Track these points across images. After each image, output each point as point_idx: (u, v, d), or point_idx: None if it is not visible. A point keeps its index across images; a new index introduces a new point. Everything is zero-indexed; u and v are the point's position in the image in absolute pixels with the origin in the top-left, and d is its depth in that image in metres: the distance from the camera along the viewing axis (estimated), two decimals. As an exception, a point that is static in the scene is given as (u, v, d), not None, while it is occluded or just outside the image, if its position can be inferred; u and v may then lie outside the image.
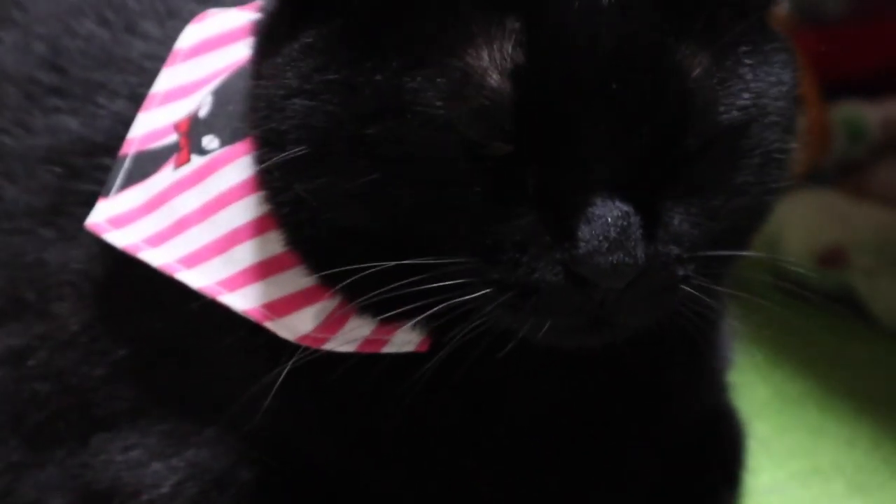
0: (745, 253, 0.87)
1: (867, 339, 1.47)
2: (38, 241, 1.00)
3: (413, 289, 0.79)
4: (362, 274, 0.80)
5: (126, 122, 0.98)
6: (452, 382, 0.87)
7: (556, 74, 0.77)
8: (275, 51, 0.84)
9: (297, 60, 0.82)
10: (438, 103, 0.77)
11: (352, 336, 0.87)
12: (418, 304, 0.80)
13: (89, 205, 0.96)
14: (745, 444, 1.07)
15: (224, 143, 0.91)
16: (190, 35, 0.98)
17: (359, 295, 0.83)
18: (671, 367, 0.95)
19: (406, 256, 0.79)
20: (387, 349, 0.87)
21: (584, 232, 0.77)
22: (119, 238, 0.93)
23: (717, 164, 0.81)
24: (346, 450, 0.92)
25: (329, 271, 0.83)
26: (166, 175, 0.93)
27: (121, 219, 0.93)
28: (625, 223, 0.77)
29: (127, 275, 0.95)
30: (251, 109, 0.86)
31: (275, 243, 0.87)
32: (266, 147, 0.84)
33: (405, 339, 0.87)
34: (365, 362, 0.88)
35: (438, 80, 0.77)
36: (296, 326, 0.87)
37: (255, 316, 0.88)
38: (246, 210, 0.89)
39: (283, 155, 0.81)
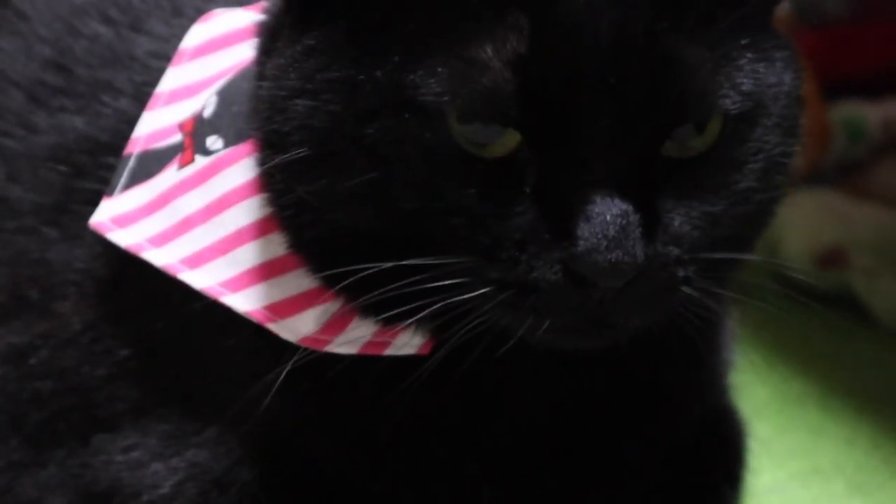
0: (746, 256, 0.87)
1: (867, 339, 1.47)
2: (41, 240, 1.00)
3: (412, 288, 0.79)
4: (362, 274, 0.80)
5: (130, 121, 0.98)
6: (452, 382, 0.87)
7: (557, 67, 0.77)
8: (278, 52, 0.84)
9: (299, 61, 0.82)
10: (439, 90, 0.77)
11: (354, 338, 0.87)
12: (418, 303, 0.80)
13: (93, 203, 0.96)
14: (746, 445, 1.07)
15: (228, 144, 0.91)
16: (196, 35, 0.98)
17: (359, 295, 0.83)
18: (672, 368, 0.95)
19: (406, 256, 0.79)
20: (389, 352, 0.87)
21: (583, 230, 0.77)
22: (122, 237, 0.93)
23: (720, 167, 0.81)
24: (346, 449, 0.92)
25: (329, 272, 0.83)
26: (170, 175, 0.93)
27: (124, 218, 0.93)
28: (624, 221, 0.76)
29: (130, 274, 0.95)
30: (254, 111, 0.87)
31: (277, 245, 0.87)
32: (268, 149, 0.84)
33: (407, 342, 0.87)
34: (365, 362, 0.88)
35: (440, 69, 0.78)
36: (298, 328, 0.87)
37: (257, 317, 0.88)
38: (249, 211, 0.89)
39: (285, 157, 0.81)
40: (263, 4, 0.92)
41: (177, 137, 0.94)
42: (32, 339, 1.00)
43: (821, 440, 1.28)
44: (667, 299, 0.81)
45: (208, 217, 0.90)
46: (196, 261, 0.90)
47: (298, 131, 0.81)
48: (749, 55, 0.81)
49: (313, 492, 0.94)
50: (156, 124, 0.95)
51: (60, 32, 1.06)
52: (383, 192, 0.79)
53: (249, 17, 0.95)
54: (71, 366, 0.99)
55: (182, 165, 0.93)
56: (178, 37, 0.99)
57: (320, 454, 0.93)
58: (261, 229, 0.89)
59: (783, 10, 0.89)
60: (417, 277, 0.79)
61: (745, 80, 0.81)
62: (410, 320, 0.82)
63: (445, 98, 0.77)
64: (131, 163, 0.94)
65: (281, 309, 0.88)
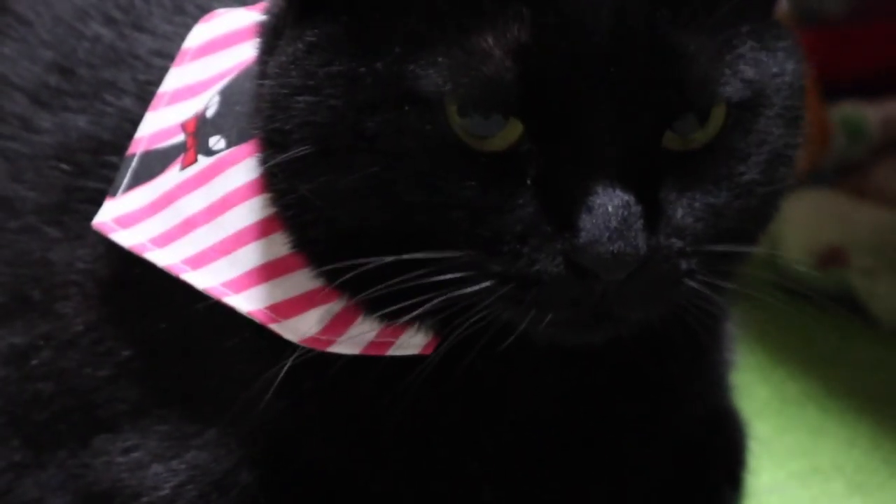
0: (750, 250, 0.86)
1: (867, 339, 1.47)
2: (43, 240, 1.00)
3: (414, 283, 0.79)
4: (364, 269, 0.80)
5: (133, 120, 0.98)
6: (453, 380, 0.87)
7: (558, 56, 0.77)
8: (280, 50, 0.84)
9: (301, 59, 0.82)
10: (439, 80, 0.77)
11: (357, 338, 0.87)
12: (419, 298, 0.80)
13: (95, 203, 0.96)
14: (747, 445, 1.07)
15: (231, 144, 0.91)
16: (198, 35, 0.98)
17: (361, 291, 0.83)
18: (674, 365, 0.95)
19: (408, 252, 0.79)
20: (391, 352, 0.87)
21: (584, 221, 0.76)
22: (125, 238, 0.93)
23: (723, 159, 0.81)
24: (347, 449, 0.92)
25: (331, 266, 0.83)
26: (173, 175, 0.93)
27: (127, 219, 0.93)
28: (626, 212, 0.76)
29: (132, 275, 0.95)
30: (256, 110, 0.87)
31: (280, 245, 0.87)
32: (270, 148, 0.84)
33: (409, 342, 0.87)
34: (366, 362, 0.88)
35: (441, 59, 0.78)
36: (300, 328, 0.87)
37: (259, 318, 0.88)
38: (252, 211, 0.89)
39: (287, 155, 0.81)
40: (265, 4, 0.92)
41: (179, 137, 0.94)
42: (34, 340, 1.00)
43: (820, 440, 1.28)
44: (670, 292, 0.81)
45: (211, 217, 0.90)
46: (199, 261, 0.90)
47: (301, 128, 0.81)
48: (750, 43, 0.81)
49: (313, 493, 0.94)
50: (158, 124, 0.95)
51: (63, 35, 1.06)
52: (384, 187, 0.79)
53: (251, 16, 0.95)
54: (72, 367, 0.98)
55: (185, 166, 0.93)
56: (181, 34, 1.00)
57: (321, 454, 0.92)
58: (263, 229, 0.89)
59: (782, 9, 0.89)
60: (419, 272, 0.79)
61: (746, 68, 0.81)
62: (412, 315, 0.81)
63: (446, 87, 0.77)
64: (134, 163, 0.95)
65: (283, 309, 0.88)
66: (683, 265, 0.80)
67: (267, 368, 0.89)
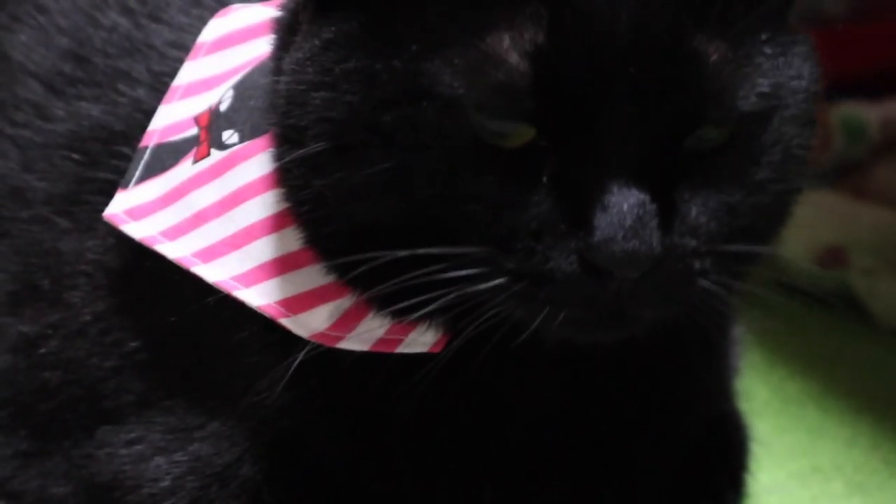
0: (763, 250, 0.86)
1: (867, 339, 1.47)
2: (54, 230, 1.01)
3: (427, 279, 0.79)
4: (377, 262, 0.80)
5: (145, 110, 0.98)
6: (461, 381, 0.87)
7: (575, 58, 0.77)
8: (296, 47, 0.85)
9: (317, 55, 0.82)
10: (456, 83, 0.77)
11: (366, 335, 0.87)
12: (432, 294, 0.80)
13: (106, 194, 0.96)
14: (749, 448, 1.08)
15: (244, 139, 0.91)
16: (213, 29, 0.98)
17: (374, 286, 0.83)
18: (683, 369, 0.95)
19: (422, 247, 0.79)
20: (400, 349, 0.87)
21: (599, 219, 0.76)
22: (136, 230, 0.93)
23: (737, 158, 0.81)
24: (352, 444, 0.92)
25: (344, 259, 0.82)
26: (185, 168, 0.93)
27: (138, 211, 0.93)
28: (641, 211, 0.76)
29: (141, 267, 0.96)
30: (271, 106, 0.87)
31: (292, 240, 0.87)
32: (286, 144, 0.84)
33: (419, 339, 0.87)
34: (375, 359, 0.88)
35: (457, 60, 0.78)
36: (310, 324, 0.87)
37: (270, 312, 0.88)
38: (264, 206, 0.89)
39: (303, 151, 0.82)
40: (280, 0, 0.92)
41: (192, 131, 0.94)
42: (42, 329, 1.01)
43: (820, 440, 1.28)
44: (683, 291, 0.81)
45: (223, 211, 0.90)
46: (209, 254, 0.90)
47: (317, 124, 0.81)
48: (768, 51, 0.81)
49: (315, 489, 0.94)
50: (171, 117, 0.95)
51: (79, 24, 1.06)
52: (400, 182, 0.79)
53: (266, 12, 0.96)
54: (79, 357, 0.99)
55: (197, 159, 0.93)
56: (197, 26, 1.00)
57: (326, 449, 0.93)
58: (275, 224, 0.89)
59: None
60: (433, 267, 0.79)
61: (763, 81, 0.81)
62: (424, 311, 0.81)
63: (462, 90, 0.77)
64: (146, 155, 0.95)
65: (294, 304, 0.88)
66: (697, 264, 0.80)
67: (275, 363, 0.89)
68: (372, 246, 0.81)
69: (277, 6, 0.92)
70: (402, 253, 0.79)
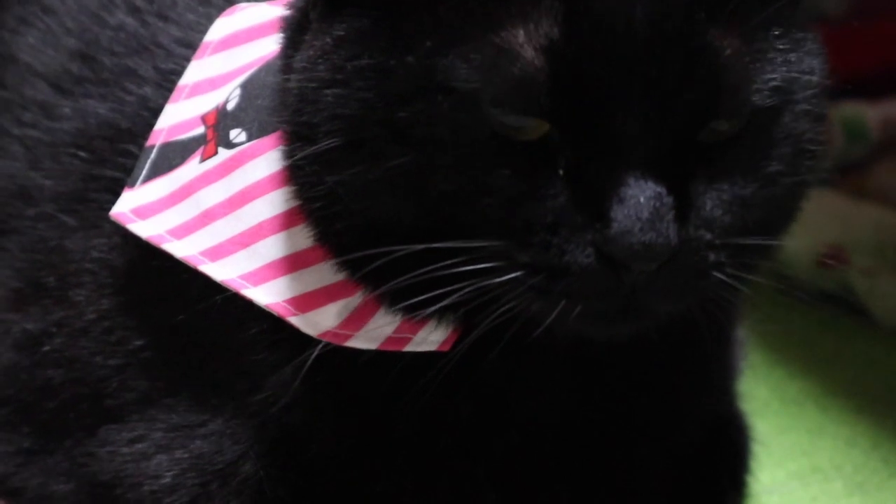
0: (775, 243, 0.86)
1: (867, 339, 1.47)
2: (60, 228, 1.01)
3: (442, 273, 0.79)
4: (391, 257, 0.80)
5: (152, 108, 0.99)
6: (468, 381, 0.87)
7: (590, 52, 0.77)
8: (306, 45, 0.85)
9: (329, 52, 0.82)
10: (472, 78, 0.77)
11: (375, 333, 0.87)
12: (447, 288, 0.79)
13: (112, 192, 0.96)
14: (751, 449, 1.08)
15: (251, 137, 0.91)
16: (220, 28, 0.98)
17: (386, 282, 0.82)
18: (688, 371, 0.95)
19: (436, 242, 0.79)
20: (409, 347, 0.87)
21: (616, 212, 0.76)
22: (143, 228, 0.93)
23: (749, 151, 0.82)
24: (359, 443, 0.92)
25: (358, 254, 0.82)
26: (192, 167, 0.93)
27: (145, 209, 0.93)
28: (658, 204, 0.76)
29: (147, 265, 0.96)
30: (281, 104, 0.87)
31: (301, 238, 0.87)
32: (297, 141, 0.84)
33: (428, 338, 0.87)
34: (384, 358, 0.88)
35: (472, 55, 0.78)
36: (319, 322, 0.87)
37: (278, 311, 0.88)
38: (272, 205, 0.89)
39: (315, 148, 0.81)
40: (288, -1, 0.93)
41: (199, 129, 0.94)
42: (47, 327, 1.01)
43: (820, 440, 1.28)
44: (698, 284, 0.81)
45: (230, 209, 0.90)
46: (217, 253, 0.90)
47: (329, 121, 0.81)
48: (781, 46, 0.82)
49: (317, 487, 0.94)
50: (178, 116, 0.95)
51: (87, 24, 1.07)
52: (416, 176, 0.79)
53: (274, 11, 0.96)
54: (83, 355, 0.99)
55: (205, 158, 0.93)
56: (205, 24, 1.00)
57: (331, 447, 0.92)
58: (284, 222, 0.89)
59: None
60: (448, 262, 0.79)
61: (775, 76, 0.81)
62: (438, 305, 0.81)
63: (477, 86, 0.78)
64: (153, 154, 0.95)
65: (302, 302, 0.88)
66: (712, 257, 0.80)
67: (283, 361, 0.89)
68: (385, 241, 0.81)
69: (285, 5, 0.92)
70: (418, 247, 0.79)
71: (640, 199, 0.76)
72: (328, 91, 0.81)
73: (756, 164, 0.82)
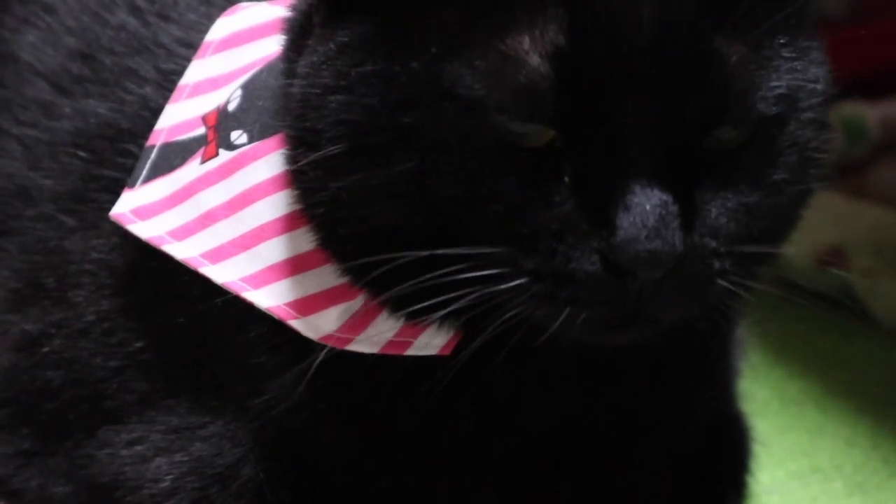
0: (779, 250, 0.87)
1: (867, 339, 1.47)
2: (59, 229, 1.01)
3: (447, 279, 0.79)
4: (396, 264, 0.80)
5: (152, 108, 0.98)
6: (471, 385, 0.87)
7: (596, 59, 0.77)
8: (310, 50, 0.84)
9: (332, 59, 0.82)
10: (477, 86, 0.77)
11: (376, 337, 0.87)
12: (451, 294, 0.79)
13: (111, 192, 0.96)
14: (750, 449, 1.08)
15: (253, 139, 0.91)
16: (221, 28, 0.98)
17: (389, 288, 0.82)
18: (689, 375, 0.95)
19: (441, 248, 0.79)
20: (410, 352, 0.87)
21: (622, 219, 0.76)
22: (143, 229, 0.93)
23: (755, 160, 0.81)
24: (361, 446, 0.92)
25: (363, 261, 0.82)
26: (193, 168, 0.93)
27: (146, 210, 0.93)
28: (663, 211, 0.76)
29: (147, 267, 0.96)
30: (284, 108, 0.87)
31: (302, 241, 0.87)
32: (301, 147, 0.83)
33: (429, 342, 0.87)
34: (386, 361, 0.88)
35: (477, 62, 0.78)
36: (320, 326, 0.87)
37: (279, 314, 0.88)
38: (273, 207, 0.89)
39: (320, 153, 0.81)
40: (290, 0, 0.92)
41: (200, 130, 0.94)
42: (46, 328, 1.01)
43: (820, 440, 1.28)
44: (703, 292, 0.81)
45: (231, 211, 0.90)
46: (218, 255, 0.90)
47: (333, 127, 0.81)
48: (786, 54, 0.82)
49: (318, 490, 0.94)
50: (179, 117, 0.95)
51: (87, 23, 1.07)
52: (421, 182, 0.79)
53: (275, 11, 0.96)
54: (83, 356, 0.99)
55: (205, 159, 0.92)
56: (206, 24, 1.00)
57: (331, 451, 0.92)
58: (285, 225, 0.88)
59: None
60: (452, 268, 0.79)
61: (781, 84, 0.81)
62: (443, 311, 0.80)
63: (482, 93, 0.77)
64: (153, 155, 0.94)
65: (303, 306, 0.88)
66: (717, 265, 0.80)
67: (284, 364, 0.89)
68: (389, 247, 0.80)
69: (287, 6, 0.92)
70: (422, 253, 0.79)
71: (645, 207, 0.76)
72: (332, 97, 0.81)
73: (761, 172, 0.82)
